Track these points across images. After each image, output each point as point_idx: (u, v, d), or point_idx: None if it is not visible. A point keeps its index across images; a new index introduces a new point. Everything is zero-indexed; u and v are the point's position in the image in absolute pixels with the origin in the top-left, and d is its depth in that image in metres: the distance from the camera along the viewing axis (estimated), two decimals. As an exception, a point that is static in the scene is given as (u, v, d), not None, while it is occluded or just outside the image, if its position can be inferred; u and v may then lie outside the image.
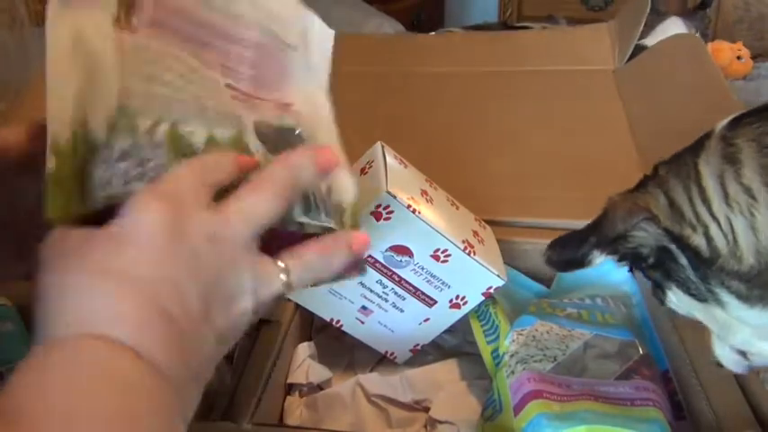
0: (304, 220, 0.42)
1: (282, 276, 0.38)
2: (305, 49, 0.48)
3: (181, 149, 0.41)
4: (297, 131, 0.45)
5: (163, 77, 0.43)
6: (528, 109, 1.05)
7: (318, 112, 0.48)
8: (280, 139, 0.44)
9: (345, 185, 0.45)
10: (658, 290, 0.53)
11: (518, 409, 0.54)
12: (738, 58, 1.50)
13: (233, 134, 0.42)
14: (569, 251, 0.50)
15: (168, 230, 0.35)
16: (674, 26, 1.38)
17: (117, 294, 0.34)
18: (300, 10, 0.49)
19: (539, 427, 0.51)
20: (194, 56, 0.45)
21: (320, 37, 0.50)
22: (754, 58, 1.56)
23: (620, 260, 0.51)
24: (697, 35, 1.39)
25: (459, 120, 1.03)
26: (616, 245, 0.49)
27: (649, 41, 1.19)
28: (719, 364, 0.54)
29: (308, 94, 0.48)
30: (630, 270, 0.74)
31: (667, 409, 0.54)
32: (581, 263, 0.49)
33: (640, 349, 0.60)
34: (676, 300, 0.51)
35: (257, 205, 0.38)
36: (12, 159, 0.42)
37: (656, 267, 0.50)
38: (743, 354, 0.52)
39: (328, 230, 0.43)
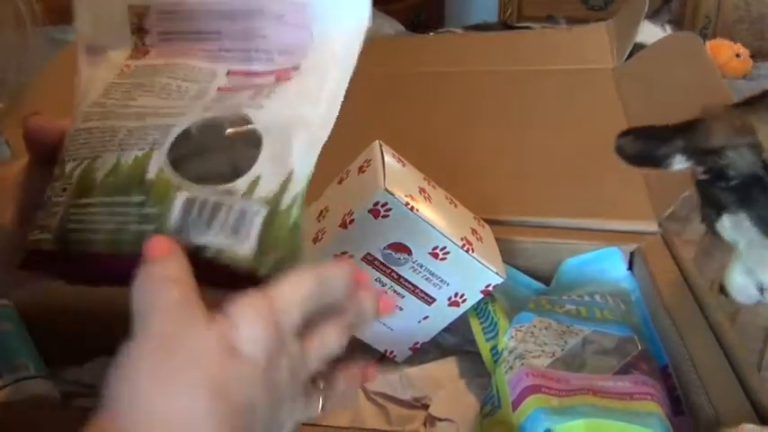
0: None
1: (321, 404, 0.39)
2: None
3: (82, 187, 0.42)
4: (253, 128, 0.42)
5: (135, 101, 0.45)
6: (527, 108, 1.05)
7: (331, 65, 0.43)
8: (235, 138, 0.42)
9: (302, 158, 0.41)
10: (712, 211, 0.50)
11: (516, 404, 0.54)
12: (737, 56, 1.51)
13: (140, 156, 0.42)
14: (648, 145, 0.47)
15: (268, 357, 0.35)
16: (645, 29, 1.42)
17: (204, 411, 0.33)
18: None
19: (537, 422, 0.51)
20: (197, 54, 0.46)
21: None
22: (753, 57, 1.56)
23: (704, 173, 0.49)
24: (667, 27, 1.40)
25: (458, 119, 1.03)
26: (706, 157, 0.46)
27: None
28: (723, 292, 0.53)
29: (325, 42, 0.44)
30: (630, 268, 0.74)
31: (666, 404, 0.54)
32: (657, 162, 0.47)
33: (639, 345, 0.59)
34: (731, 226, 0.49)
35: (331, 344, 0.38)
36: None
37: (734, 191, 0.48)
38: (761, 290, 0.52)
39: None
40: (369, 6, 0.43)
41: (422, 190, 0.62)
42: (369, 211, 0.58)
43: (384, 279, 0.62)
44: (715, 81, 0.84)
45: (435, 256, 0.61)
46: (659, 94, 0.97)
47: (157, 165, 0.41)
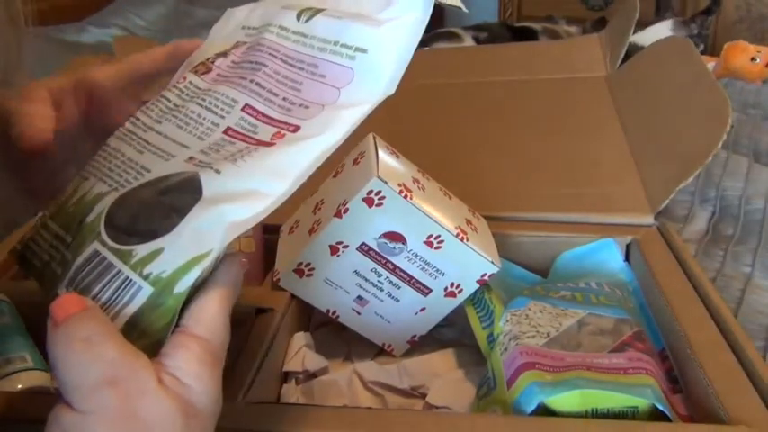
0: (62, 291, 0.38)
1: None
2: (377, 49, 0.40)
3: (58, 208, 0.41)
4: (196, 185, 0.38)
5: (159, 125, 0.44)
6: (521, 112, 1.07)
7: (330, 131, 0.39)
8: (177, 189, 0.38)
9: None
10: None
11: (511, 381, 0.54)
12: (752, 59, 1.47)
13: (102, 192, 0.40)
14: None
15: (216, 401, 0.36)
16: (654, 32, 1.44)
17: None
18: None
19: (531, 395, 0.50)
20: (233, 81, 0.44)
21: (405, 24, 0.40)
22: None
23: None
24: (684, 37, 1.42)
25: (454, 124, 1.05)
26: None
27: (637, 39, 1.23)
28: None
29: (344, 105, 0.40)
30: (626, 260, 0.74)
31: (662, 379, 0.54)
32: None
33: (635, 326, 0.59)
34: None
35: None
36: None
37: None
38: None
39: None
40: (398, 80, 0.39)
41: (415, 180, 0.62)
42: (362, 200, 0.58)
43: (380, 269, 0.63)
44: (708, 84, 0.85)
45: (430, 245, 0.61)
46: (652, 97, 0.98)
47: (99, 209, 0.39)
